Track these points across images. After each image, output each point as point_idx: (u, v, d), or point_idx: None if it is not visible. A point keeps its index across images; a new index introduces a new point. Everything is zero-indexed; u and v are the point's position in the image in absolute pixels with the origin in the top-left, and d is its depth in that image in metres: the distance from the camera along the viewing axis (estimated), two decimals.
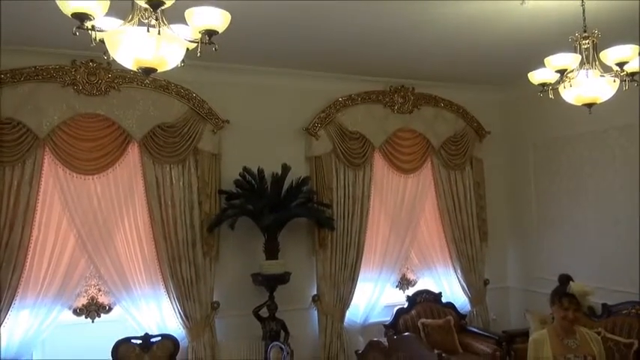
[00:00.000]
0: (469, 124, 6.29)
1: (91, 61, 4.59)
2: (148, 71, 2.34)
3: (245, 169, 5.05)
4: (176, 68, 2.48)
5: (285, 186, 5.13)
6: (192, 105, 5.01)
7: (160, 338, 4.22)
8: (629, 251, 5.09)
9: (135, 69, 2.35)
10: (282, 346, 3.78)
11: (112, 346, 4.26)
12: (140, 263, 4.82)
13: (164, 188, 4.85)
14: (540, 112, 5.94)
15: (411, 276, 6.13)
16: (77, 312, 4.63)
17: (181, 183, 4.93)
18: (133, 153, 4.83)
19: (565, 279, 2.90)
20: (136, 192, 4.83)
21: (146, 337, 4.18)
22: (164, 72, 2.48)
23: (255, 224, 4.97)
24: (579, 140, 5.62)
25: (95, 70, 4.62)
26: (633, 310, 4.86)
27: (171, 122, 4.91)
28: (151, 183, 4.81)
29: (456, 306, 6.01)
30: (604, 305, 5.15)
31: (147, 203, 4.83)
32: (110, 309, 4.76)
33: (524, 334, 5.35)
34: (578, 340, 2.81)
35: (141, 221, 4.84)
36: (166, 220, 4.83)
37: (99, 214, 4.63)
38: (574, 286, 2.84)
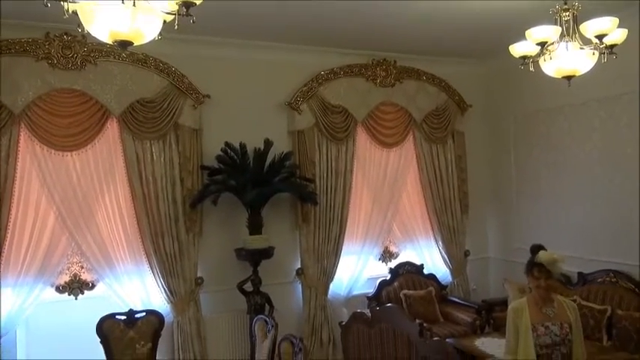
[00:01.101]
0: (451, 98, 6.31)
1: (66, 34, 4.45)
2: (125, 44, 2.28)
3: (227, 144, 5.00)
4: (154, 41, 2.42)
5: (268, 161, 5.11)
6: (172, 79, 4.92)
7: (144, 314, 4.23)
8: (605, 221, 5.23)
9: (111, 42, 2.29)
10: (267, 319, 3.82)
11: (96, 323, 4.26)
12: (122, 239, 4.79)
13: (145, 164, 4.79)
14: (521, 85, 5.97)
15: (393, 249, 6.21)
16: (60, 289, 4.61)
17: (162, 159, 4.88)
18: (112, 129, 4.75)
19: (536, 249, 2.95)
20: (116, 168, 4.77)
21: (130, 313, 4.19)
22: (141, 45, 2.42)
23: (238, 200, 4.97)
24: (559, 113, 5.68)
25: (70, 44, 4.49)
26: (607, 278, 5.03)
27: (150, 97, 4.82)
28: (131, 159, 4.74)
29: (438, 277, 6.14)
30: (580, 274, 5.31)
31: (127, 179, 4.77)
32: (93, 286, 4.74)
33: (503, 303, 5.50)
34: (555, 308, 2.90)
35: (122, 197, 4.79)
36: (148, 196, 4.79)
37: (78, 190, 4.57)
38: (542, 255, 2.89)
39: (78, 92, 4.55)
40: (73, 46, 4.50)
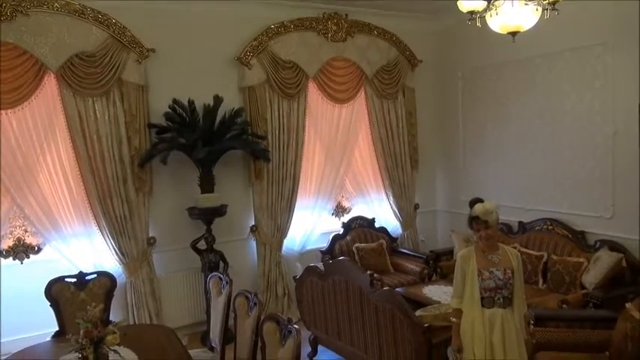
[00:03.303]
0: (402, 53, 6.33)
1: None
2: None
3: (175, 101, 4.85)
4: None
5: (218, 118, 5.01)
6: (113, 32, 4.66)
7: (95, 275, 4.14)
8: (543, 172, 5.51)
9: None
10: (221, 276, 3.84)
11: (45, 287, 4.15)
12: (68, 201, 4.64)
13: (88, 122, 4.59)
14: (469, 41, 6.05)
15: (346, 204, 6.34)
16: (3, 254, 4.45)
17: (107, 117, 4.68)
18: (50, 85, 4.50)
19: (473, 203, 3.08)
20: (57, 127, 4.55)
21: (80, 275, 4.09)
22: None
23: (189, 158, 4.87)
24: (504, 68, 5.84)
25: None
26: (545, 226, 5.37)
27: (90, 51, 4.57)
28: (72, 117, 4.53)
29: (388, 230, 6.34)
30: (520, 223, 5.63)
31: (70, 139, 4.57)
32: (39, 249, 4.61)
33: (450, 253, 5.80)
34: (500, 255, 3.07)
35: (65, 158, 4.61)
36: (93, 156, 4.63)
37: (17, 151, 4.35)
38: (476, 208, 3.04)
39: (10, 45, 4.26)
40: None
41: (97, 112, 4.64)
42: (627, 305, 3.37)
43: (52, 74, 4.46)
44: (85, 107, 4.57)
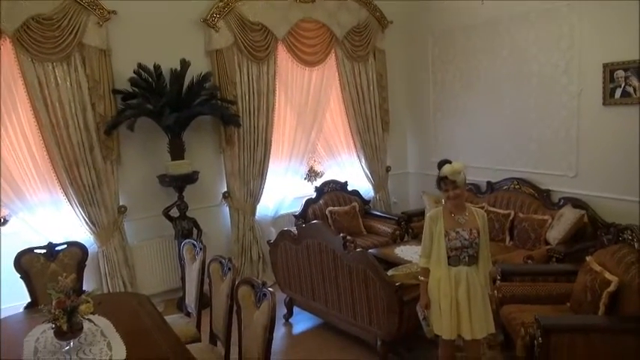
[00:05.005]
0: (372, 14, 6.25)
1: None
2: None
3: (140, 65, 4.71)
4: None
5: (186, 83, 4.90)
6: None
7: (65, 246, 4.09)
8: (511, 133, 5.62)
9: None
10: (195, 243, 3.84)
11: (13, 259, 4.07)
12: (33, 171, 4.52)
13: (49, 89, 4.42)
14: (439, 2, 6.01)
15: (318, 168, 6.36)
16: None
17: (68, 83, 4.52)
18: (5, 49, 4.28)
19: (442, 164, 3.14)
20: (16, 94, 4.37)
21: (50, 246, 4.02)
22: None
23: (157, 124, 4.77)
24: (473, 30, 5.83)
25: None
26: (512, 186, 5.52)
27: (47, 13, 4.35)
28: (32, 84, 4.35)
29: (361, 193, 6.41)
30: (488, 182, 5.77)
31: (31, 106, 4.41)
32: (6, 221, 4.50)
33: (421, 214, 5.91)
34: (467, 216, 3.15)
35: (27, 126, 4.45)
36: (56, 123, 4.48)
37: None
38: (444, 169, 3.10)
39: None
40: None
41: (58, 78, 4.46)
42: (587, 259, 3.54)
43: (7, 39, 4.24)
44: (44, 73, 4.39)
